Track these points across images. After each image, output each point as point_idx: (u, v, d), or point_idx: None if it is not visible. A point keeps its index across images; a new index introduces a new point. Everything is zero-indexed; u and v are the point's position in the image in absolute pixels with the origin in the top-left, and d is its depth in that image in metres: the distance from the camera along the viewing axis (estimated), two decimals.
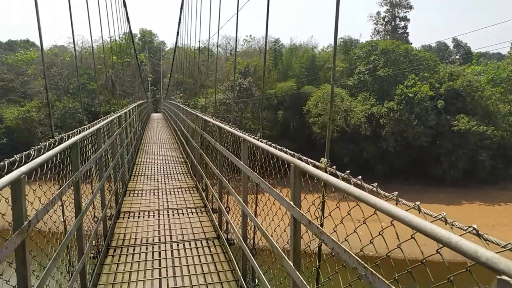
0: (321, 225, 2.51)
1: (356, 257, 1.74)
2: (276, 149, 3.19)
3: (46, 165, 2.88)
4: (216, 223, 5.57)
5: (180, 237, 5.49)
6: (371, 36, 55.45)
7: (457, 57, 54.94)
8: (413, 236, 1.52)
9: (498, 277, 0.99)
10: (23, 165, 2.35)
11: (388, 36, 52.61)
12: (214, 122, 5.89)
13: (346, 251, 1.82)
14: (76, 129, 4.12)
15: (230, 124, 5.44)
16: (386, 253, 1.76)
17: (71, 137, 3.70)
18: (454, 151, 28.98)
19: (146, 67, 58.05)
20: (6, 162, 2.26)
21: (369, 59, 35.10)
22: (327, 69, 38.43)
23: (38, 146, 2.90)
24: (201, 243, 5.27)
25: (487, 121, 29.62)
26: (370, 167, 30.59)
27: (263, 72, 5.39)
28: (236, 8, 6.64)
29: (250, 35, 51.73)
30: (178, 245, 5.19)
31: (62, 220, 3.42)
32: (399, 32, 55.25)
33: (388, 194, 1.80)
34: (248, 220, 3.91)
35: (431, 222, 1.42)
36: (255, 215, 3.80)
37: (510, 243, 1.18)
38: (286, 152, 2.98)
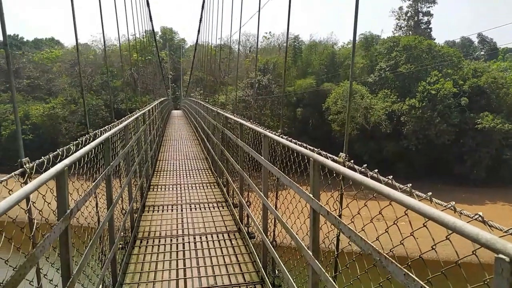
0: (340, 215, 2.66)
1: (371, 244, 1.87)
2: (296, 144, 3.34)
3: (84, 158, 3.10)
4: (237, 217, 5.76)
5: (203, 230, 5.71)
6: (393, 31, 54.57)
7: (482, 53, 53.53)
8: (425, 224, 1.65)
9: (495, 255, 1.12)
10: (64, 158, 2.57)
11: (410, 32, 51.65)
12: (235, 119, 6.07)
13: (362, 239, 1.95)
14: (107, 126, 4.36)
15: (250, 121, 5.60)
16: (400, 241, 1.89)
17: (104, 133, 3.94)
18: (477, 150, 28.35)
19: (167, 65, 58.87)
20: (50, 155, 2.49)
21: (390, 55, 34.61)
22: (347, 65, 38.11)
23: (76, 141, 3.13)
24: (223, 236, 5.47)
25: None
26: (391, 165, 30.22)
27: (284, 70, 5.53)
28: (258, 5, 6.78)
29: (270, 32, 51.76)
30: (200, 237, 5.40)
31: (96, 211, 3.66)
32: (422, 27, 54.11)
33: (402, 186, 1.93)
34: (269, 213, 4.07)
35: (442, 210, 1.54)
36: (276, 209, 3.96)
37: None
38: (306, 147, 3.12)
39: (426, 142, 29.63)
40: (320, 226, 2.73)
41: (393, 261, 1.68)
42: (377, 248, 1.83)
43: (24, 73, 44.06)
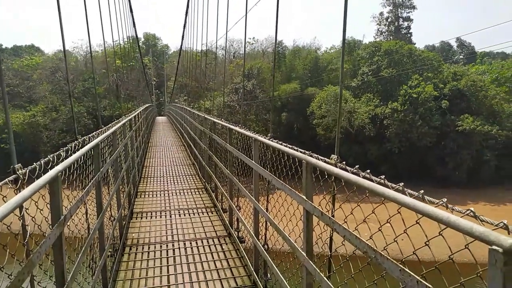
0: (333, 216, 2.70)
1: (366, 242, 1.92)
2: (287, 147, 3.38)
3: (74, 165, 3.07)
4: (227, 222, 5.75)
5: (192, 235, 5.68)
6: (374, 37, 55.65)
7: (461, 57, 55.01)
8: (417, 221, 1.71)
9: (489, 247, 1.17)
10: (56, 164, 2.55)
11: (391, 37, 52.72)
12: (224, 124, 6.09)
13: (357, 237, 2.00)
14: (94, 132, 4.32)
15: (238, 125, 5.63)
16: (393, 238, 1.94)
17: (92, 139, 3.90)
18: (458, 152, 29.00)
19: (150, 71, 58.46)
20: (41, 161, 2.46)
21: (372, 60, 35.24)
22: (330, 70, 38.63)
23: (66, 148, 3.10)
24: (213, 241, 5.45)
25: (492, 120, 29.64)
26: (375, 168, 30.54)
27: (273, 75, 5.61)
28: (245, 10, 6.85)
29: (253, 38, 51.95)
30: (191, 243, 5.38)
31: (85, 218, 3.61)
32: (403, 32, 55.34)
33: (395, 185, 1.99)
34: (260, 216, 4.10)
35: (434, 206, 1.60)
36: (267, 211, 3.98)
37: (502, 222, 1.36)
38: (297, 150, 3.17)
39: (408, 145, 30.18)
40: (313, 226, 2.76)
41: (389, 257, 1.72)
42: (372, 246, 1.87)
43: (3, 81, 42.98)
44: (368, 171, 2.27)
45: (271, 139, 3.95)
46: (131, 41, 25.73)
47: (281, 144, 3.56)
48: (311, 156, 2.87)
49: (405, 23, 55.69)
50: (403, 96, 30.78)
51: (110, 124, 5.66)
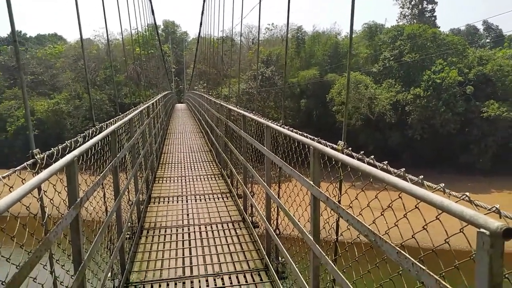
0: (339, 201, 2.74)
1: (368, 226, 1.96)
2: (297, 134, 3.42)
3: (91, 150, 3.20)
4: (241, 207, 5.87)
5: (208, 220, 5.83)
6: (397, 20, 53.98)
7: (487, 40, 52.88)
8: (417, 206, 1.73)
9: (477, 230, 1.20)
10: (73, 149, 2.67)
11: (415, 20, 51.08)
12: (238, 110, 6.15)
13: (359, 221, 2.04)
14: (112, 119, 4.46)
15: (253, 112, 5.68)
16: (394, 222, 1.97)
17: (109, 126, 4.04)
18: (483, 139, 28.24)
19: (170, 58, 58.87)
20: (59, 147, 2.59)
21: (394, 44, 34.36)
22: (351, 56, 37.84)
23: (83, 134, 3.23)
24: (227, 225, 5.58)
25: None
26: (396, 155, 30.21)
27: (285, 61, 5.59)
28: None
29: (272, 23, 51.50)
30: (206, 227, 5.53)
31: (103, 201, 3.77)
32: (427, 15, 53.48)
33: (397, 171, 2.01)
34: (272, 202, 4.17)
35: (433, 191, 1.62)
36: (278, 197, 4.05)
37: (494, 206, 1.38)
38: (306, 137, 3.21)
39: (431, 132, 29.55)
40: (320, 213, 2.81)
41: (387, 240, 1.76)
42: (372, 230, 1.92)
43: (28, 69, 44.27)
44: (372, 156, 2.30)
45: (283, 126, 3.99)
46: (150, 28, 25.93)
47: (292, 131, 3.60)
48: (319, 142, 2.90)
49: (430, 6, 53.73)
50: (426, 81, 30.02)
51: (127, 112, 5.81)
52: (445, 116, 28.89)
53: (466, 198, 1.50)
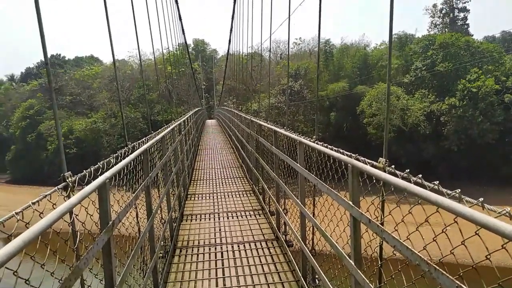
0: (382, 223, 2.55)
1: (419, 254, 1.77)
2: (332, 150, 3.26)
3: (123, 171, 3.18)
4: (274, 225, 5.71)
5: (240, 238, 5.70)
6: (427, 30, 52.73)
7: None
8: (477, 232, 1.54)
9: None
10: (105, 171, 2.64)
11: (446, 29, 49.72)
12: (269, 126, 6.05)
13: (408, 248, 1.85)
14: (144, 138, 4.47)
15: (284, 128, 5.56)
16: (450, 250, 1.78)
17: (141, 145, 4.03)
18: None
19: (200, 75, 60.08)
20: (92, 169, 2.56)
21: (426, 54, 33.49)
22: (380, 67, 37.26)
23: (116, 154, 3.22)
24: (261, 244, 5.43)
25: None
26: (431, 168, 29.08)
27: (317, 75, 5.47)
28: (288, 12, 6.76)
29: (300, 38, 51.49)
30: (238, 246, 5.40)
31: (136, 221, 3.74)
32: (459, 24, 52.01)
33: (450, 192, 1.82)
34: (307, 221, 4.00)
35: (495, 217, 1.43)
36: (313, 216, 3.88)
37: None
38: (342, 153, 3.04)
39: (468, 142, 28.30)
40: (361, 234, 2.63)
41: (444, 272, 1.57)
42: (425, 259, 1.73)
43: (67, 90, 46.44)
44: (420, 176, 2.10)
45: (316, 142, 3.85)
46: (181, 47, 26.61)
47: (326, 147, 3.44)
48: (357, 159, 2.74)
49: (461, 14, 52.29)
50: (461, 91, 28.92)
51: (159, 130, 5.84)
52: (483, 126, 27.62)
53: (507, 213, 1.31)
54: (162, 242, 4.78)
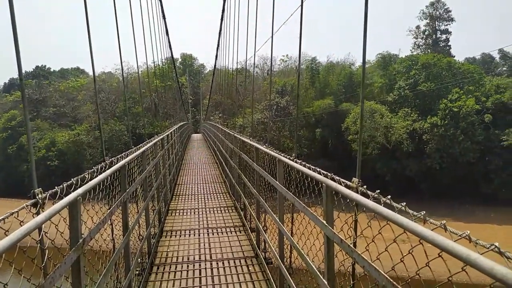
0: (354, 243, 2.58)
1: (386, 275, 1.80)
2: (310, 169, 3.29)
3: (99, 187, 3.15)
4: (254, 242, 5.68)
5: (220, 255, 5.64)
6: (411, 50, 54.25)
7: (504, 68, 52.32)
8: (440, 254, 1.58)
9: None
10: (79, 187, 2.61)
11: (429, 50, 51.21)
12: (251, 143, 6.08)
13: (376, 269, 1.87)
14: (123, 153, 4.43)
15: (266, 144, 5.60)
16: (416, 271, 1.81)
17: (120, 160, 4.00)
18: (505, 167, 27.36)
19: (187, 90, 60.14)
20: (64, 185, 2.53)
21: (409, 74, 34.37)
22: (365, 85, 37.99)
23: (91, 170, 3.19)
24: (240, 262, 5.38)
25: None
26: (415, 185, 29.51)
27: (297, 91, 5.56)
28: (271, 31, 6.89)
29: (287, 55, 52.22)
30: (217, 263, 5.34)
31: (111, 238, 3.67)
32: (441, 45, 53.65)
33: (416, 213, 1.86)
34: (285, 238, 4.00)
35: (455, 240, 1.48)
36: (291, 234, 3.88)
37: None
38: (319, 172, 3.08)
39: (450, 161, 28.88)
40: (336, 252, 2.65)
41: None
42: (391, 280, 1.75)
43: (51, 102, 45.84)
44: (389, 197, 2.15)
45: (295, 159, 3.88)
46: (168, 61, 26.68)
47: (305, 165, 3.48)
48: (332, 179, 2.78)
49: (443, 36, 54.01)
50: (443, 110, 29.66)
51: (140, 145, 5.80)
52: (464, 145, 28.28)
53: (496, 249, 1.35)
54: (139, 259, 4.70)
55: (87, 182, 2.88)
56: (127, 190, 3.87)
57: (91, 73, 54.08)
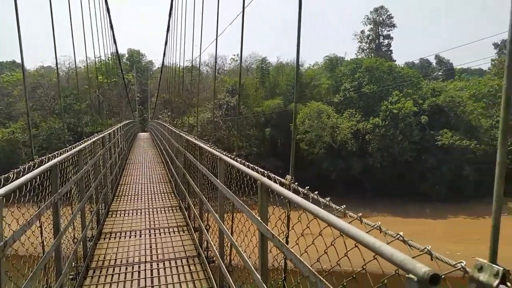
0: (287, 238, 2.66)
1: (309, 267, 1.88)
2: (248, 167, 3.34)
3: (26, 187, 2.97)
4: (197, 242, 5.64)
5: (161, 256, 5.54)
6: (356, 54, 56.78)
7: (439, 73, 56.44)
8: (356, 245, 1.68)
9: (406, 275, 1.14)
10: (1, 187, 2.45)
11: (372, 54, 53.91)
12: (195, 141, 6.03)
13: (301, 261, 1.95)
14: (57, 151, 4.21)
15: (210, 143, 5.59)
16: (336, 261, 1.91)
17: (51, 159, 3.80)
18: (439, 166, 29.47)
19: (134, 87, 58.20)
20: None
21: (354, 76, 35.91)
22: (313, 86, 39.21)
23: (18, 169, 3.00)
24: (181, 261, 5.32)
25: (470, 135, 30.28)
26: (359, 183, 30.88)
27: (239, 94, 5.60)
28: (216, 33, 6.90)
29: (237, 54, 52.36)
30: (158, 264, 5.23)
31: (40, 241, 3.48)
32: (383, 50, 56.72)
33: (339, 207, 1.96)
34: (225, 237, 4.02)
35: (368, 231, 1.58)
36: (231, 232, 3.92)
37: (426, 248, 1.34)
38: (256, 170, 3.14)
39: (390, 160, 30.57)
40: (270, 248, 2.71)
41: (326, 283, 1.69)
42: (313, 270, 1.83)
43: None
44: (316, 192, 2.25)
45: (236, 158, 3.92)
46: (113, 57, 25.66)
47: (244, 164, 3.52)
48: (268, 176, 2.85)
49: (386, 41, 57.14)
50: (384, 111, 31.32)
51: (77, 143, 5.54)
52: (402, 145, 30.08)
53: (400, 238, 1.46)
54: (73, 263, 4.49)
55: (11, 182, 2.72)
56: (59, 191, 3.68)
57: (28, 67, 50.59)
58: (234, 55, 53.28)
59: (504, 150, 1.15)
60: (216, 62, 7.15)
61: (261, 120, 35.68)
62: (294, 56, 42.82)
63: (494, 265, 1.11)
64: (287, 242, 2.59)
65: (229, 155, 4.12)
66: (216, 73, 47.41)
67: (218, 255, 4.03)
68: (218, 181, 4.08)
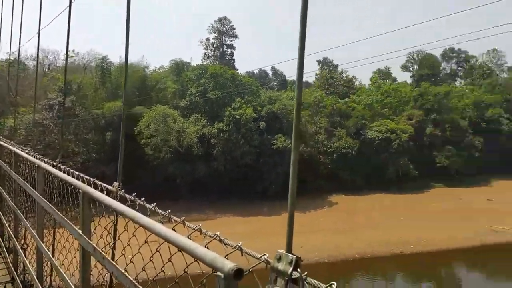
0: (113, 250, 2.48)
1: (131, 278, 1.77)
2: (72, 175, 3.01)
3: None
4: (11, 265, 4.79)
5: None
6: (202, 60, 58.28)
7: (275, 83, 62.80)
8: (180, 250, 1.66)
9: (215, 273, 1.18)
10: None
11: (217, 61, 56.25)
12: (9, 146, 5.13)
13: (123, 274, 1.83)
14: None
15: (28, 149, 4.84)
16: (161, 268, 1.86)
17: None
18: (275, 168, 32.65)
19: None
20: None
21: (199, 81, 36.73)
22: (159, 89, 38.45)
23: None
24: None
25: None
26: (205, 185, 31.63)
27: (64, 95, 5.02)
28: (38, 26, 6.05)
29: (73, 50, 47.25)
30: None
31: None
32: (227, 58, 59.88)
33: (164, 213, 1.92)
34: (44, 256, 3.51)
35: (189, 234, 1.58)
36: (53, 250, 3.45)
37: (237, 245, 1.41)
38: (82, 179, 2.85)
39: (233, 163, 32.36)
40: (92, 263, 2.47)
41: None
42: (135, 282, 1.74)
43: None
44: (143, 199, 2.16)
45: (59, 165, 3.48)
46: None
47: (67, 172, 3.16)
48: (94, 184, 2.61)
49: (229, 50, 60.47)
50: (227, 117, 32.98)
51: None
52: (244, 149, 32.26)
53: (217, 238, 1.51)
54: None
55: None
56: None
57: None
58: (71, 51, 47.89)
59: (296, 153, 1.30)
60: (38, 56, 6.27)
61: (101, 123, 33.06)
62: (139, 58, 41.25)
63: (289, 254, 1.23)
64: (113, 254, 2.42)
65: (51, 162, 3.64)
66: (47, 70, 41.83)
67: (36, 278, 3.49)
68: (36, 192, 3.55)
